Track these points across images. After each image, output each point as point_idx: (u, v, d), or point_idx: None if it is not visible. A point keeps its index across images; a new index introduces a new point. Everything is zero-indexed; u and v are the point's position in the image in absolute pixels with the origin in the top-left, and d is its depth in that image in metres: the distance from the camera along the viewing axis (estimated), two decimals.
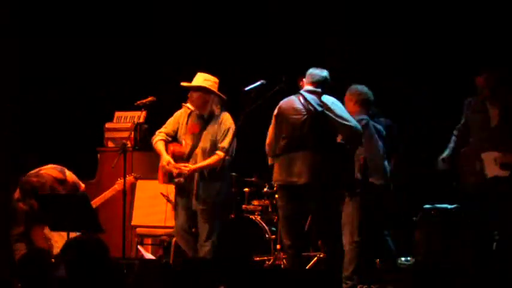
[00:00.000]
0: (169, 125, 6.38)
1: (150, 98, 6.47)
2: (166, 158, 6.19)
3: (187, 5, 8.52)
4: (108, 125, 8.10)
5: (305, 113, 5.73)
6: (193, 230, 6.38)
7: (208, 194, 6.17)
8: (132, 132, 7.47)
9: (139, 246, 7.23)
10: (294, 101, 5.81)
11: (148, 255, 7.08)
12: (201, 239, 6.22)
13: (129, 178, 6.58)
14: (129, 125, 7.80)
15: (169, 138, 6.34)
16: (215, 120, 6.25)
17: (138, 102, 6.48)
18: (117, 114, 8.11)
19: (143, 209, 7.32)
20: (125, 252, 6.52)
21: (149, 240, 7.54)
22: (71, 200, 6.05)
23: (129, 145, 6.95)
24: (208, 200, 6.17)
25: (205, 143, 6.22)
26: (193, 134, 6.27)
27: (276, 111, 5.87)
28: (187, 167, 6.13)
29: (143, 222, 7.33)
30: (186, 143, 6.27)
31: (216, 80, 6.30)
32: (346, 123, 5.71)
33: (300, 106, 5.76)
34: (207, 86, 6.22)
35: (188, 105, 6.32)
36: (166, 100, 6.64)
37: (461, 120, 6.19)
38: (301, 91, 5.86)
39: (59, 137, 8.40)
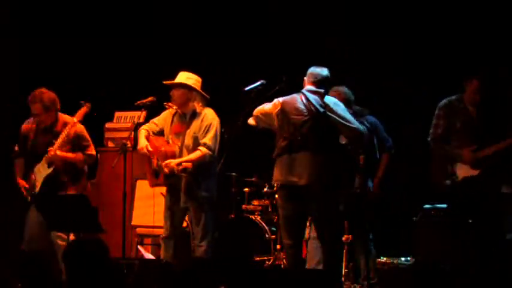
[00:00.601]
0: (152, 123, 6.42)
1: (150, 98, 6.47)
2: (144, 142, 6.22)
3: (187, 5, 8.52)
4: (108, 125, 8.10)
5: (307, 113, 5.71)
6: (187, 229, 6.37)
7: (197, 192, 6.15)
8: (132, 132, 7.46)
9: (139, 246, 7.23)
10: (296, 101, 5.78)
11: (148, 255, 7.08)
12: (197, 240, 6.22)
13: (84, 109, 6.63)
14: (129, 125, 7.80)
15: (151, 133, 6.35)
16: (197, 117, 6.25)
17: (138, 102, 6.49)
18: (117, 114, 8.12)
19: (143, 209, 7.32)
20: (125, 252, 6.53)
21: (149, 240, 7.54)
22: (71, 200, 6.06)
23: (129, 145, 6.95)
24: (198, 199, 6.16)
25: (188, 140, 6.22)
26: (179, 134, 6.27)
27: (279, 106, 5.81)
28: (170, 163, 6.11)
29: (143, 222, 7.33)
30: (174, 143, 6.28)
31: (199, 78, 6.32)
32: (349, 124, 5.71)
33: (302, 106, 5.74)
34: (189, 84, 6.22)
35: (170, 104, 6.33)
36: (166, 100, 6.64)
37: (435, 125, 6.11)
38: (303, 90, 5.83)
39: None
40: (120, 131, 7.92)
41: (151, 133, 6.34)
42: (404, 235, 6.75)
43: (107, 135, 8.05)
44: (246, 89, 6.25)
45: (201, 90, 6.29)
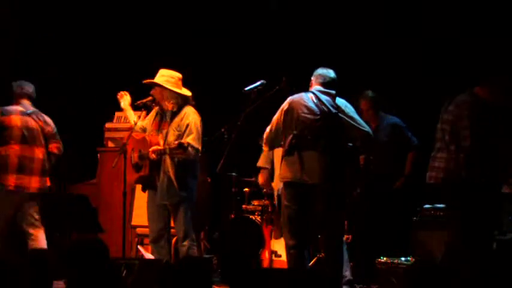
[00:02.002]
0: (140, 122, 6.44)
1: (150, 98, 6.47)
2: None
3: (187, 5, 8.52)
4: (108, 125, 8.10)
5: (319, 113, 5.70)
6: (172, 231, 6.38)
7: (176, 190, 6.12)
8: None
9: (139, 246, 7.23)
10: (306, 100, 5.77)
11: (149, 255, 7.08)
12: (179, 240, 6.21)
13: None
14: (129, 125, 7.80)
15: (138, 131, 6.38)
16: (178, 115, 6.20)
17: (138, 102, 6.48)
18: (117, 114, 8.11)
19: (143, 209, 7.28)
20: (125, 252, 6.52)
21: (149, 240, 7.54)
22: (71, 200, 6.06)
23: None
24: (176, 197, 6.13)
25: (170, 137, 6.18)
26: (158, 130, 6.25)
27: (286, 106, 5.78)
28: (157, 148, 6.09)
29: (143, 222, 7.31)
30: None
31: (176, 75, 6.24)
32: (360, 127, 5.72)
33: (313, 106, 5.73)
34: (160, 82, 6.19)
35: (144, 101, 6.36)
36: None
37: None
38: (313, 90, 5.82)
39: (60, 137, 8.39)
40: (120, 131, 7.91)
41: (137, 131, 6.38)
42: (404, 235, 6.76)
43: (107, 135, 8.04)
44: (246, 89, 6.25)
45: (175, 88, 6.21)
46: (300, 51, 7.80)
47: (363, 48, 7.76)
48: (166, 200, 6.16)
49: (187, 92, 6.27)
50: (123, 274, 5.27)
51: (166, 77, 6.23)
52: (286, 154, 5.76)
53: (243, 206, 7.61)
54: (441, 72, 7.47)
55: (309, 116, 5.71)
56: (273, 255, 7.02)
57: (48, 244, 6.44)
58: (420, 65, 7.57)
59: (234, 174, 7.57)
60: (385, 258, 6.40)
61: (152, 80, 6.23)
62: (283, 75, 6.30)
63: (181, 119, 6.18)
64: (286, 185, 5.83)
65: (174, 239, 6.73)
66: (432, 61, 7.51)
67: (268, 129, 5.90)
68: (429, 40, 7.54)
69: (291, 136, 5.73)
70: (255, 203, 7.59)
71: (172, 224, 6.37)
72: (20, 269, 3.88)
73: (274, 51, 8.01)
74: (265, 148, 6.02)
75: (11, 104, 6.58)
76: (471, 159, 5.53)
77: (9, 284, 3.70)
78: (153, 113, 6.41)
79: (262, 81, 6.28)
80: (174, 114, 6.23)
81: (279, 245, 6.86)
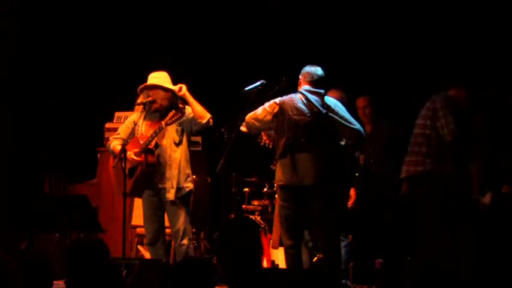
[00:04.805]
0: (122, 132, 6.31)
1: (150, 98, 6.46)
2: (131, 155, 6.07)
3: (186, 5, 8.52)
4: (108, 125, 8.10)
5: (309, 114, 5.71)
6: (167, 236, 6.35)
7: (182, 184, 6.10)
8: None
9: (139, 246, 7.24)
10: (296, 101, 5.78)
11: (148, 255, 7.09)
12: (178, 239, 6.16)
13: None
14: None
15: (125, 143, 6.21)
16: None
17: (139, 102, 6.48)
18: (117, 114, 8.11)
19: None
20: (125, 252, 6.53)
21: None
22: (71, 200, 6.07)
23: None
24: (183, 190, 6.11)
25: (173, 133, 6.12)
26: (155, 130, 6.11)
27: (278, 106, 5.81)
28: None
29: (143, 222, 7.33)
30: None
31: (166, 74, 6.26)
32: (350, 125, 5.73)
33: (303, 107, 5.74)
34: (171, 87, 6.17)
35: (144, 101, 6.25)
36: None
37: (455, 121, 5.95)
38: (302, 91, 5.83)
39: (60, 137, 8.40)
40: None
41: (124, 144, 6.19)
42: (404, 235, 6.76)
43: (107, 135, 8.04)
44: (246, 89, 6.25)
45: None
46: (300, 51, 7.80)
47: (363, 48, 7.76)
48: (176, 195, 6.08)
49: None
50: (123, 274, 5.28)
51: (166, 78, 6.22)
52: (280, 157, 5.76)
53: (243, 206, 7.61)
54: (441, 72, 7.47)
55: (299, 117, 5.71)
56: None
57: (48, 244, 6.45)
58: (420, 65, 7.57)
59: (234, 174, 7.58)
60: (385, 259, 6.42)
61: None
62: (283, 75, 6.30)
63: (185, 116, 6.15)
64: (281, 187, 5.84)
65: (173, 242, 6.73)
66: (432, 61, 7.51)
67: (249, 116, 5.90)
68: (429, 40, 7.54)
69: (284, 139, 5.73)
70: (255, 203, 7.59)
71: (166, 224, 6.35)
72: (19, 269, 3.88)
73: (274, 51, 8.02)
74: (243, 128, 5.99)
75: None
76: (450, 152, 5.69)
77: (8, 285, 3.70)
78: (134, 117, 6.30)
79: (262, 81, 6.28)
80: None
81: (277, 255, 6.87)
